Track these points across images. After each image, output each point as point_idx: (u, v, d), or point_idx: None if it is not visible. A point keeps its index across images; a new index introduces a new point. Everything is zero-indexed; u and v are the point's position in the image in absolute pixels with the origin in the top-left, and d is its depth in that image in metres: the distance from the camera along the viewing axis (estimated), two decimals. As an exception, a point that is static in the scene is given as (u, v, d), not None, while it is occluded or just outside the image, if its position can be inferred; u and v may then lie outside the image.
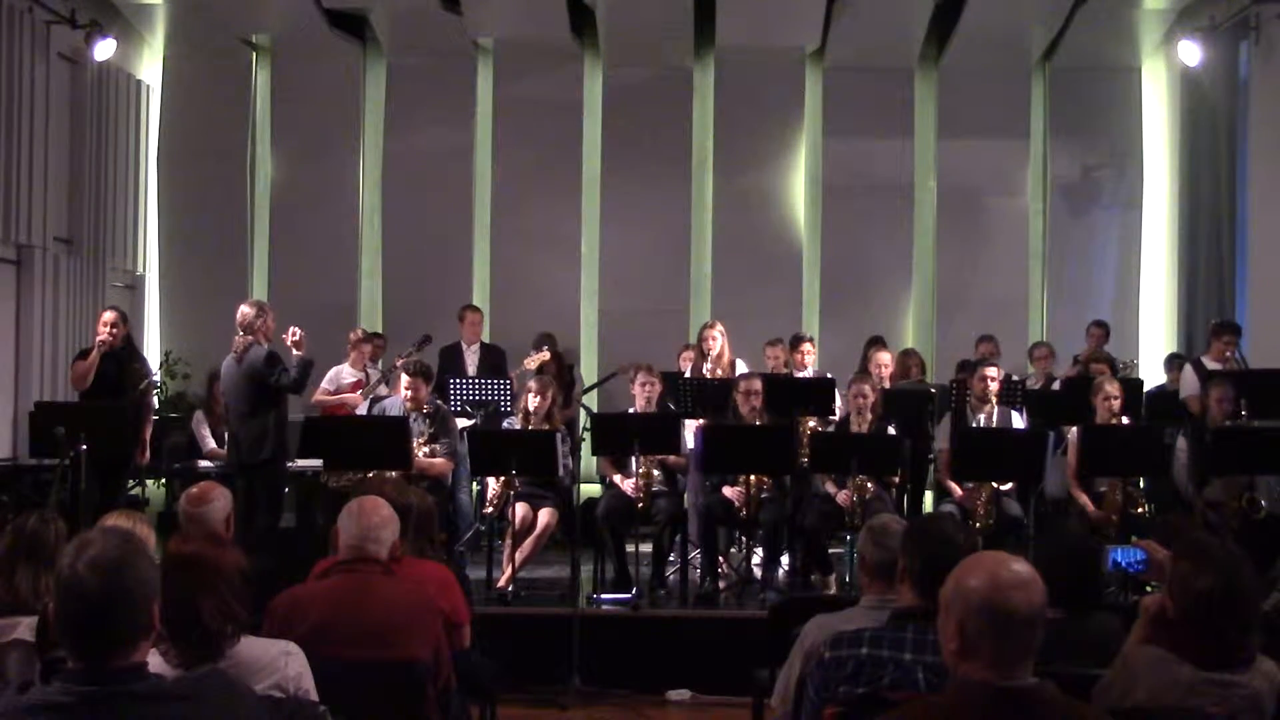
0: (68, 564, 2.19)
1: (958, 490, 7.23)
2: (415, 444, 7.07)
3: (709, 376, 8.15)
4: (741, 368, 8.44)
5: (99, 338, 7.63)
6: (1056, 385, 8.87)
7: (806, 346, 8.82)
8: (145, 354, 9.63)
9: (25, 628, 3.36)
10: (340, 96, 11.27)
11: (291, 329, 7.51)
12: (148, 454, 8.06)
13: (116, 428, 7.34)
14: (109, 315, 7.72)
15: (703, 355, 8.33)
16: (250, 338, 7.35)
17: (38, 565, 3.58)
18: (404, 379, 7.39)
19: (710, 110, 11.30)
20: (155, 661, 2.69)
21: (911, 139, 11.29)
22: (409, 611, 3.62)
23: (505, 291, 11.04)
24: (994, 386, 7.47)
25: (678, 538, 7.37)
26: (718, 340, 8.30)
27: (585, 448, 8.22)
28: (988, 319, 10.18)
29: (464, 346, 9.36)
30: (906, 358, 9.27)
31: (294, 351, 7.45)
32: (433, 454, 7.21)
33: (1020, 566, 2.34)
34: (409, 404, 7.32)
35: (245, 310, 7.47)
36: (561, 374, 8.72)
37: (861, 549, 3.61)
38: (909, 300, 11.29)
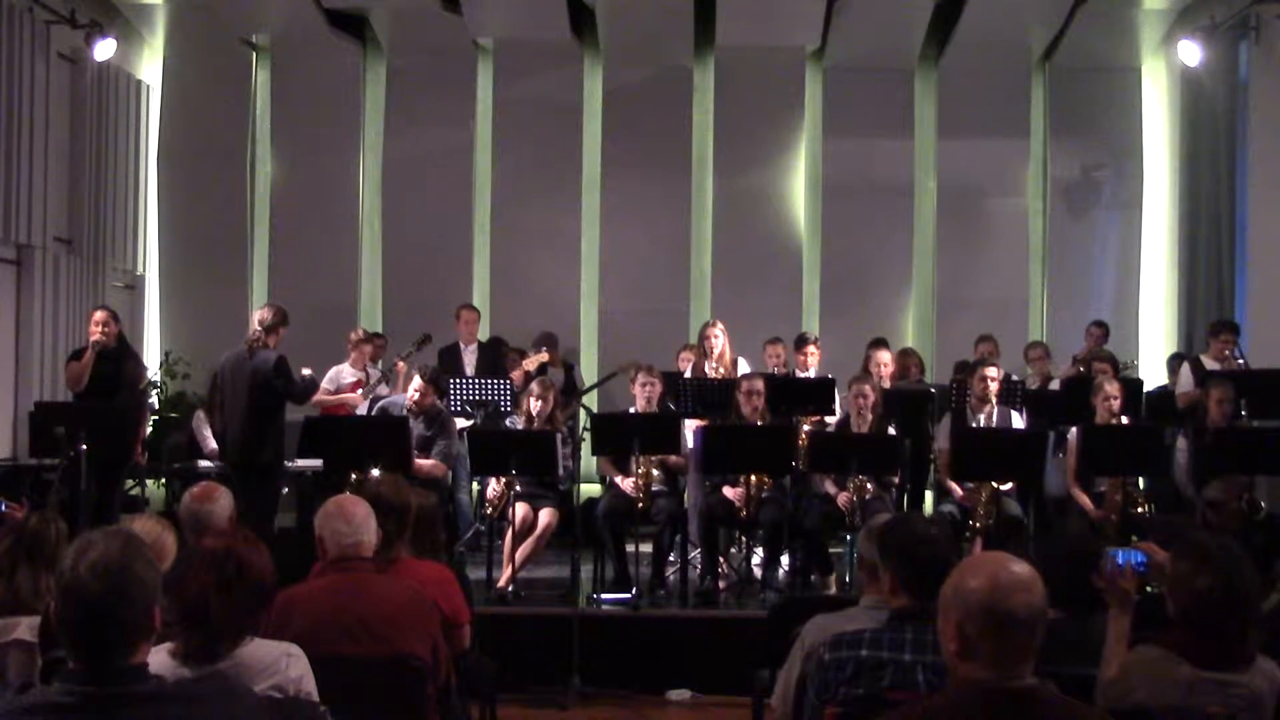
0: (69, 566, 2.19)
1: (958, 490, 7.23)
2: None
3: (711, 376, 8.14)
4: (744, 367, 8.43)
5: (92, 337, 7.62)
6: (1055, 385, 8.88)
7: (811, 348, 8.77)
8: (144, 354, 9.64)
9: (25, 628, 3.37)
10: (340, 96, 11.28)
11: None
12: (145, 453, 8.05)
13: (116, 427, 7.34)
14: (100, 315, 7.70)
15: (704, 354, 8.32)
16: (264, 337, 7.39)
17: (38, 565, 3.58)
18: (416, 380, 7.40)
19: (710, 110, 11.29)
20: (160, 659, 2.70)
21: (911, 139, 11.29)
22: (403, 606, 3.63)
23: (505, 291, 11.05)
24: (994, 387, 7.47)
25: (678, 538, 7.37)
26: (719, 339, 8.30)
27: (585, 448, 8.22)
28: (988, 319, 10.18)
29: (462, 346, 9.36)
30: (905, 357, 9.27)
31: (304, 371, 7.53)
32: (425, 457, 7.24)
33: (1020, 568, 2.34)
34: (412, 404, 7.33)
35: (264, 313, 7.55)
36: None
37: (861, 549, 3.61)
38: (909, 300, 11.29)
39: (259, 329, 7.42)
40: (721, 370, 8.20)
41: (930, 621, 3.04)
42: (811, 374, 8.64)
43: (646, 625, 6.66)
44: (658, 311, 10.82)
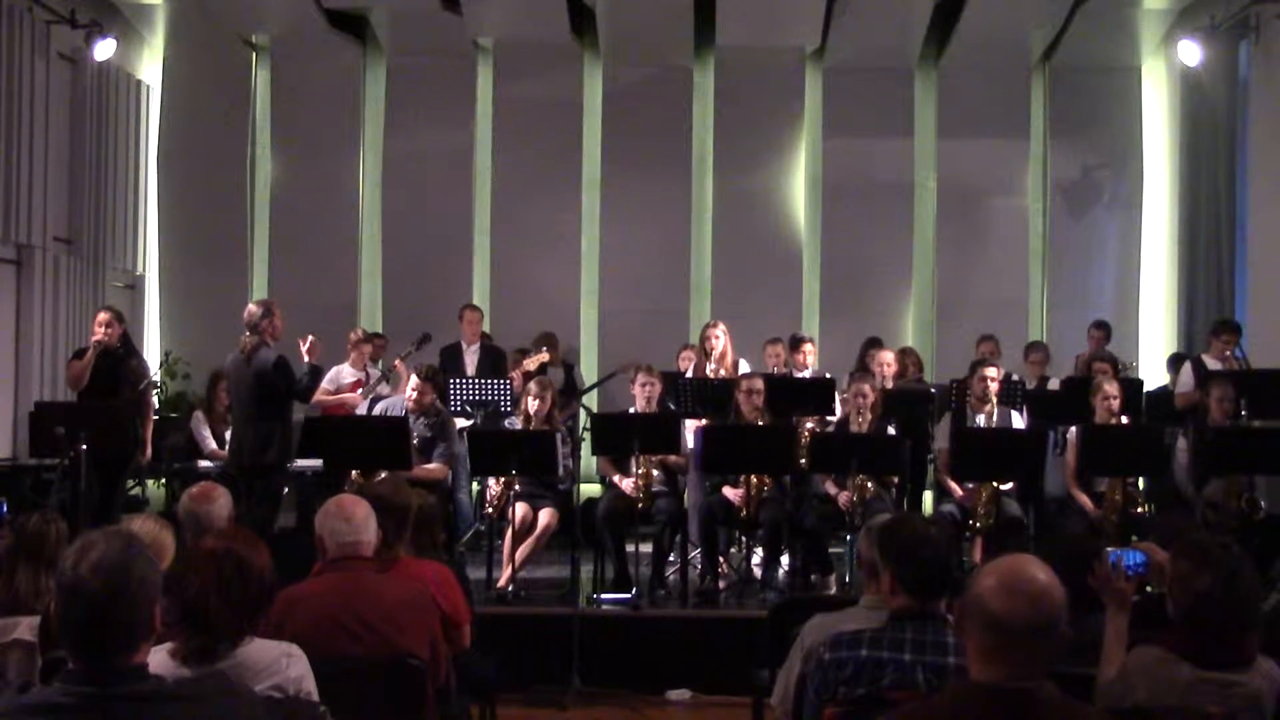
0: (70, 565, 2.19)
1: (958, 490, 7.22)
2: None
3: (712, 376, 8.14)
4: (744, 367, 8.44)
5: (94, 338, 7.62)
6: (1053, 384, 8.88)
7: (807, 347, 8.83)
8: (145, 354, 9.64)
9: (25, 628, 3.37)
10: (340, 96, 11.28)
11: (309, 341, 7.51)
12: (149, 452, 8.05)
13: (117, 427, 7.33)
14: (103, 315, 7.71)
15: (705, 355, 8.32)
16: (257, 338, 7.32)
17: (38, 565, 3.59)
18: (413, 379, 7.39)
19: (710, 110, 11.30)
20: (160, 659, 2.70)
21: (911, 139, 11.29)
22: (402, 605, 3.64)
23: (505, 291, 11.05)
24: (994, 387, 7.47)
25: (678, 538, 7.36)
26: (719, 340, 8.30)
27: (585, 448, 8.22)
28: (988, 319, 10.17)
29: (464, 346, 9.36)
30: (904, 356, 9.26)
31: (305, 358, 7.46)
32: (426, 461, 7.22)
33: (1034, 576, 2.29)
34: (412, 405, 7.32)
35: (252, 309, 7.45)
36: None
37: (861, 549, 3.61)
38: (909, 300, 11.29)
39: (248, 332, 7.34)
40: (722, 371, 8.20)
41: (930, 621, 3.05)
42: (809, 373, 8.65)
43: (646, 625, 6.65)
44: (658, 311, 10.82)
